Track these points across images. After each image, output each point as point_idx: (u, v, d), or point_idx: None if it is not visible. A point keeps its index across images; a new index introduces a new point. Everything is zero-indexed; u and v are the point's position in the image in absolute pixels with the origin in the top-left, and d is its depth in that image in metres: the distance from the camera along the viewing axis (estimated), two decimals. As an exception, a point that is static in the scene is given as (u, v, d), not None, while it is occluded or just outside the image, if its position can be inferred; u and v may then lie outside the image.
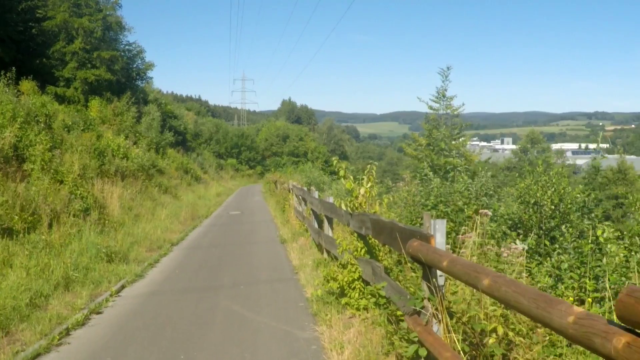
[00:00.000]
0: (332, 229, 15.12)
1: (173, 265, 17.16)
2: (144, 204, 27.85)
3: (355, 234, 10.67)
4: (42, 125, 25.52)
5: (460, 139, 44.69)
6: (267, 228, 26.36)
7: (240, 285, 13.71)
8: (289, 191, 32.13)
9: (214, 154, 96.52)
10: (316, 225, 18.30)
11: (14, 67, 29.61)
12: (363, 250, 10.36)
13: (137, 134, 43.52)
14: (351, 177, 10.87)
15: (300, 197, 24.31)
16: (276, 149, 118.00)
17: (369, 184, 10.70)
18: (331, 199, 14.98)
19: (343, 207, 11.02)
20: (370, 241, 10.60)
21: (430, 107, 43.73)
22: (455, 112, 43.70)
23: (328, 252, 14.77)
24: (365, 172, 10.78)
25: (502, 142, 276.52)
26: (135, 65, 58.83)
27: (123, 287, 13.93)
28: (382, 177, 53.53)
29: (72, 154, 25.04)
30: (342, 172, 10.82)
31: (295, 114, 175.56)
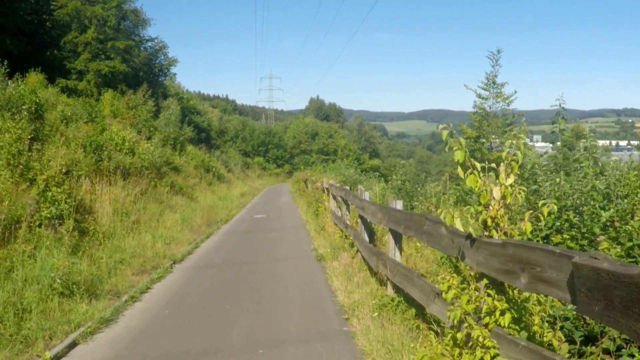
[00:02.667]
0: (399, 250, 9.66)
1: (165, 299, 11.80)
2: (147, 208, 22.61)
3: (484, 280, 5.18)
4: (25, 113, 20.59)
5: (514, 132, 39.26)
6: (297, 237, 20.96)
7: (257, 348, 8.26)
8: (324, 191, 26.79)
9: (240, 152, 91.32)
10: (366, 238, 12.95)
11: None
12: (507, 318, 4.86)
13: (151, 129, 38.52)
14: (478, 166, 5.40)
15: (341, 199, 18.77)
16: (305, 146, 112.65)
17: (510, 180, 5.24)
18: (399, 205, 9.54)
19: (458, 225, 5.44)
20: (513, 295, 5.16)
21: (479, 96, 38.47)
22: (507, 101, 38.40)
23: (397, 288, 9.29)
24: (504, 154, 5.39)
25: (532, 140, 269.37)
26: (157, 61, 56.21)
27: (74, 345, 8.69)
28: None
29: (59, 148, 20.08)
30: (459, 156, 5.32)
31: (323, 112, 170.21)
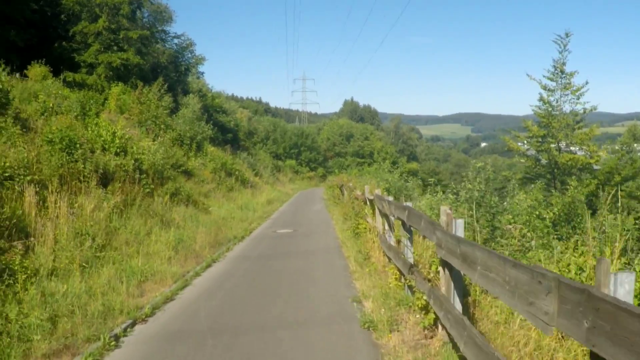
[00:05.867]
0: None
1: None
2: (129, 225, 16.49)
3: None
4: None
5: (584, 129, 32.94)
6: (331, 271, 14.57)
7: None
8: (365, 203, 20.45)
9: (271, 154, 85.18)
10: (459, 306, 6.68)
11: None
12: None
13: (162, 126, 32.77)
14: None
15: (398, 220, 11.88)
16: (339, 149, 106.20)
17: None
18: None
19: None
20: None
21: (544, 87, 32.37)
22: (577, 94, 32.15)
23: None
24: None
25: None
26: (184, 59, 53.60)
27: None
28: (451, 180, 41.93)
29: (11, 147, 14.94)
30: None
31: (358, 114, 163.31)
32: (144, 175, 21.40)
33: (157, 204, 20.45)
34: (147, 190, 20.89)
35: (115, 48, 38.35)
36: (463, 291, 7.21)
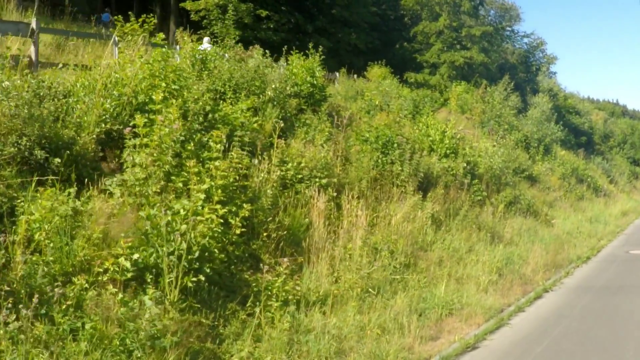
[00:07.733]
0: None
1: None
2: (446, 240, 13.46)
3: None
4: (270, 95, 13.64)
5: None
6: None
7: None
8: None
9: (628, 159, 77.32)
10: None
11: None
12: None
13: (506, 126, 29.84)
14: None
15: None
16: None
17: None
18: None
19: None
20: None
21: None
22: None
23: None
24: None
25: None
26: (535, 59, 51.87)
27: None
28: None
29: (305, 143, 12.93)
30: None
31: None
32: (476, 180, 18.41)
33: (486, 214, 17.18)
34: (478, 197, 17.82)
35: (457, 46, 37.38)
36: None
